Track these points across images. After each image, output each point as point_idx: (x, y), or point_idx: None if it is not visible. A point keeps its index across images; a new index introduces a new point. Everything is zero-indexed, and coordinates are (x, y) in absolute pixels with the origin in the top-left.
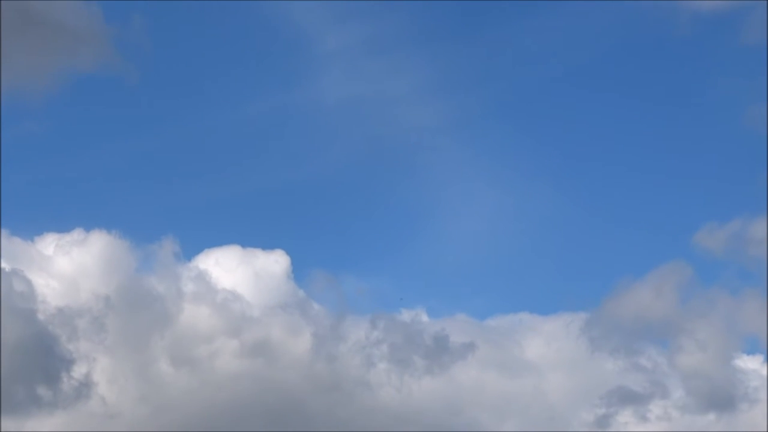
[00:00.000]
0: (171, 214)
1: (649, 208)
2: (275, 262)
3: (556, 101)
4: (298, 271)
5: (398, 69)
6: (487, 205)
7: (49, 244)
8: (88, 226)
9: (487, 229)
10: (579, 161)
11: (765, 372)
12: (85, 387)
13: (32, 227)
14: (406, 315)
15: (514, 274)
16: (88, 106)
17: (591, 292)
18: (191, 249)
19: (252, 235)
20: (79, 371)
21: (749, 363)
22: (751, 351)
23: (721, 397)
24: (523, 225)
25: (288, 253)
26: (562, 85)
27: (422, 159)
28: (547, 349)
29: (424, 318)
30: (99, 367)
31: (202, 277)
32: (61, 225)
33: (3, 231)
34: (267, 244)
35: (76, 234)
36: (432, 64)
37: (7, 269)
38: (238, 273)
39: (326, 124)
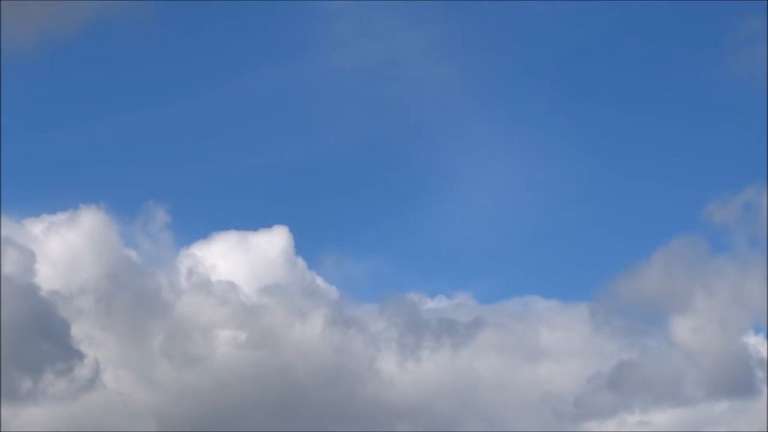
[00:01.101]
0: (171, 191)
1: (660, 182)
2: (277, 240)
3: (582, 64)
4: (301, 249)
5: (410, 25)
6: (503, 176)
7: (39, 226)
8: (78, 206)
9: (501, 203)
10: (600, 130)
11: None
12: (78, 376)
13: (23, 207)
14: (412, 298)
15: (523, 255)
16: (83, 68)
17: (602, 271)
18: (189, 232)
19: (253, 213)
20: (75, 360)
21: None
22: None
23: (734, 374)
24: (536, 198)
25: (291, 230)
26: (587, 48)
27: (435, 123)
28: (558, 333)
29: (430, 302)
30: (94, 358)
31: (199, 265)
32: (53, 206)
33: None
34: (269, 223)
35: (66, 215)
36: (447, 20)
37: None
38: (238, 256)
39: (332, 88)
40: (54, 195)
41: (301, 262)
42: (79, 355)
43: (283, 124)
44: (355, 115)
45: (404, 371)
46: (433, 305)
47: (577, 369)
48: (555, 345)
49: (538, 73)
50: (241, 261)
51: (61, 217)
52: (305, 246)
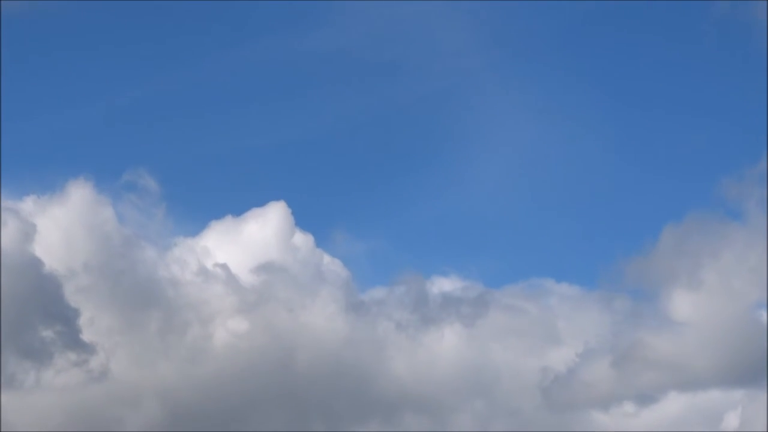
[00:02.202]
0: (170, 171)
1: (676, 153)
2: (276, 218)
3: (599, 35)
4: (305, 226)
5: None
6: (513, 154)
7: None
8: (67, 180)
9: (512, 178)
10: (625, 104)
11: None
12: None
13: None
14: (421, 280)
15: (533, 235)
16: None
17: (613, 252)
18: (187, 219)
19: (257, 191)
20: (79, 347)
21: None
22: None
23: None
24: (546, 179)
25: (289, 205)
26: (605, 17)
27: (442, 98)
28: (571, 316)
29: (438, 284)
30: (96, 343)
31: (197, 250)
32: (47, 186)
33: None
34: (270, 200)
35: (56, 194)
36: None
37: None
38: (239, 237)
39: (334, 56)
40: (42, 174)
41: (307, 239)
42: (83, 344)
43: (284, 96)
44: (358, 86)
45: (414, 358)
46: (440, 288)
47: (587, 352)
48: (567, 328)
49: (552, 47)
50: (241, 243)
51: (49, 197)
52: (310, 223)
